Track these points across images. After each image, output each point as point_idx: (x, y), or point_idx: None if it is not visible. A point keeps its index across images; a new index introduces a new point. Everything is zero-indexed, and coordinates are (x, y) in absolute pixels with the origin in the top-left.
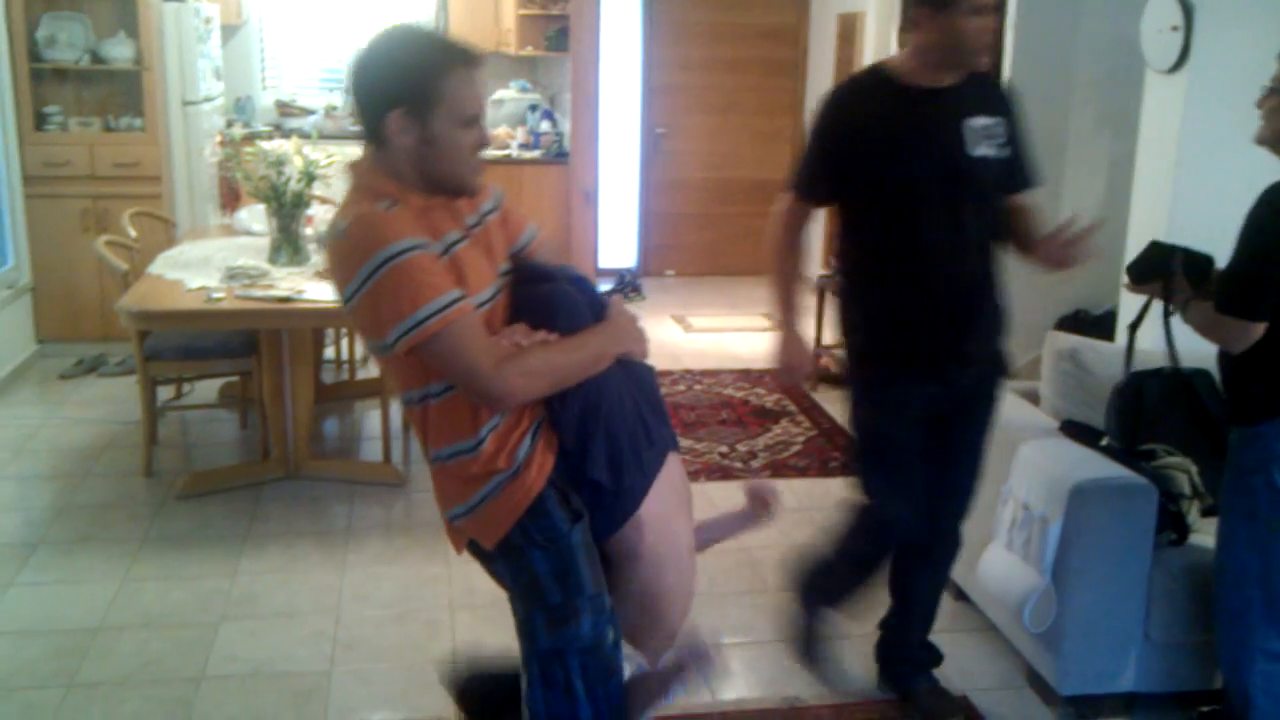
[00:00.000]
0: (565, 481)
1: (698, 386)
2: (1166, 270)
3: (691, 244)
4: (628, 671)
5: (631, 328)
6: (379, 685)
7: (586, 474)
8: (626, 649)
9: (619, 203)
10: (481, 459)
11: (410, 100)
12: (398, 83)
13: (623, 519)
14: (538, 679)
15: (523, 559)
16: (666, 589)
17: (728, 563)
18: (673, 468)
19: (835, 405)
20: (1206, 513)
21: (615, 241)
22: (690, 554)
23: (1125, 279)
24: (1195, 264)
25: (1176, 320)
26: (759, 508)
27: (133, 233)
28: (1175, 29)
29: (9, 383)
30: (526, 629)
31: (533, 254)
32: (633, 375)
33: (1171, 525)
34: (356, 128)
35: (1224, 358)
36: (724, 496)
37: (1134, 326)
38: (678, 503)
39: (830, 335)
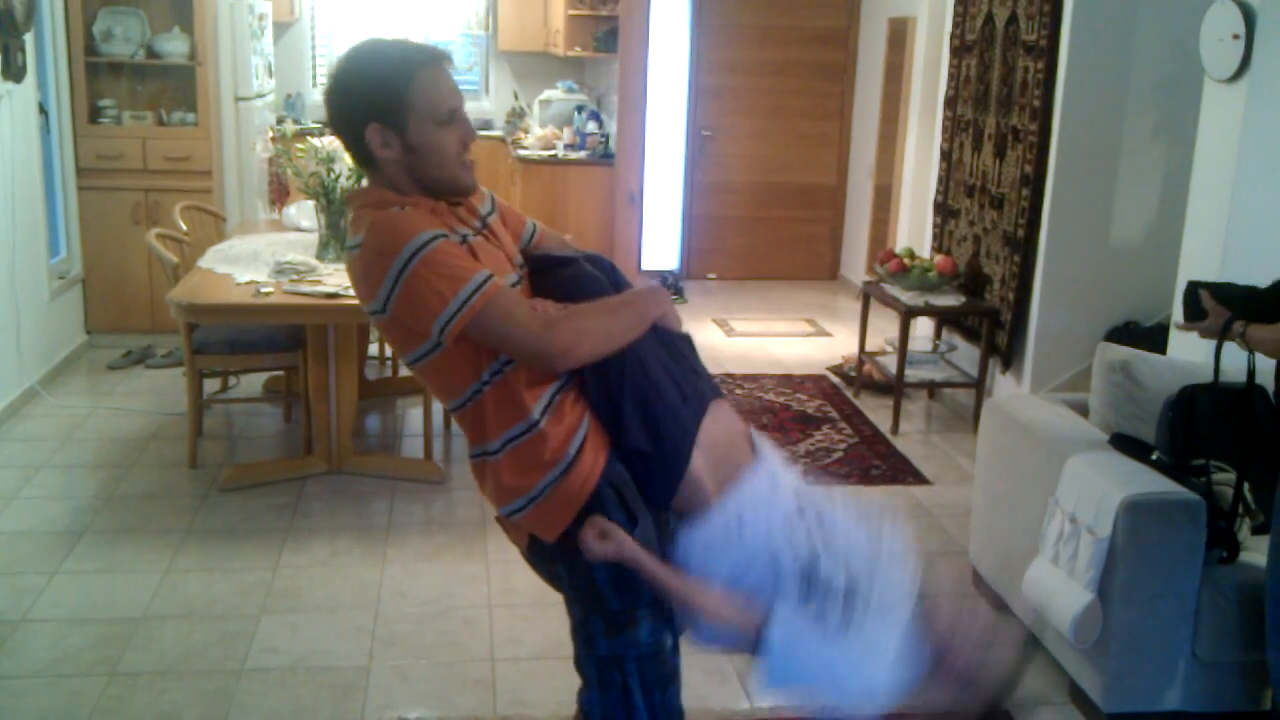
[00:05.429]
0: (621, 481)
1: (739, 391)
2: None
3: (734, 248)
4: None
5: (663, 294)
6: (417, 682)
7: (625, 445)
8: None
9: (663, 205)
10: (539, 440)
11: (382, 112)
12: (366, 98)
13: (677, 481)
14: (595, 683)
15: (581, 563)
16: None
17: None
18: (720, 415)
19: (877, 412)
20: (1258, 530)
21: (658, 244)
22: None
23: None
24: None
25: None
26: None
27: (183, 226)
28: (1236, 37)
29: (58, 372)
30: (584, 633)
31: (539, 245)
32: (665, 341)
33: (1222, 542)
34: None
35: None
36: None
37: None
38: (734, 446)
39: (875, 341)
